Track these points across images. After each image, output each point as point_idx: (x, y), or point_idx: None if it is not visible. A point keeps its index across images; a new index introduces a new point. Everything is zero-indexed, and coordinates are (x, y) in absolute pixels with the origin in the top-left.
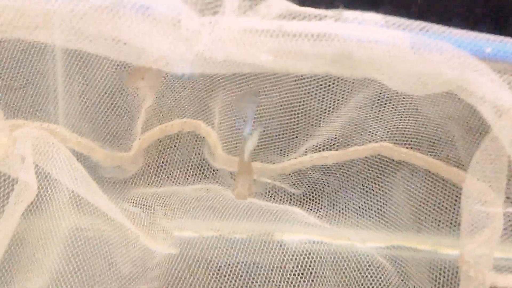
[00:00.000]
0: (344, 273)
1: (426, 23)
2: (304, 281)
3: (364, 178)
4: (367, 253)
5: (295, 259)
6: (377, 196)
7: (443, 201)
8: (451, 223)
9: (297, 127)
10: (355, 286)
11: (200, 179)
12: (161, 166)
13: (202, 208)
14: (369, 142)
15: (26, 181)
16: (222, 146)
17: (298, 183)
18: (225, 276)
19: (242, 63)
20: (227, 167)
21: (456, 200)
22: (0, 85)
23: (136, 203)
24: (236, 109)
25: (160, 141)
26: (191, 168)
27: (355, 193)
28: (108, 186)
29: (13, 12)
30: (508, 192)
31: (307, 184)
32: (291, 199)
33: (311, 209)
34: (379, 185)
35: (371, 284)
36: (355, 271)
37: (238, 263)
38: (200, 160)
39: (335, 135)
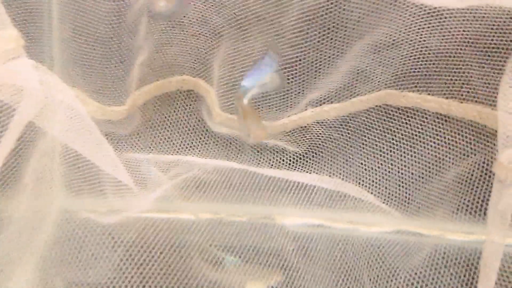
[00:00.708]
0: (346, 257)
1: None
2: (305, 265)
3: (370, 132)
4: (371, 237)
5: (297, 242)
6: (384, 152)
7: (456, 148)
8: (463, 183)
9: (296, 81)
10: (358, 270)
11: (198, 142)
12: (158, 126)
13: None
14: (373, 90)
15: (31, 88)
16: (220, 105)
17: (300, 141)
18: (223, 259)
19: None
20: (224, 126)
21: (469, 141)
22: None
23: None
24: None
25: (158, 99)
26: (189, 130)
27: (360, 149)
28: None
29: None
30: None
31: (310, 141)
32: (293, 159)
33: (314, 169)
34: (386, 138)
35: (374, 268)
36: (357, 255)
37: (237, 246)
38: (198, 121)
39: (337, 86)
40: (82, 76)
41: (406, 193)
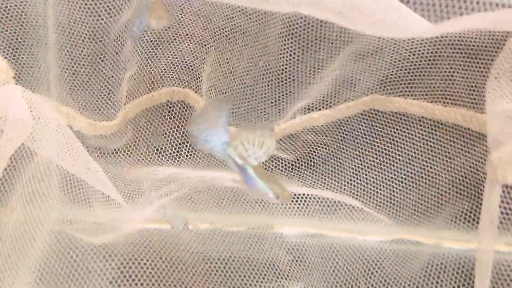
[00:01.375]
0: (343, 266)
1: None
2: (302, 274)
3: (359, 137)
4: (367, 246)
5: (294, 251)
6: (373, 157)
7: (441, 151)
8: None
9: (284, 90)
10: (355, 279)
11: (190, 151)
12: (149, 137)
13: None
14: (360, 96)
15: (19, 115)
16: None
17: (291, 148)
18: (222, 269)
19: None
20: None
21: (446, 143)
22: None
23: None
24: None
25: (148, 111)
26: (180, 140)
27: (350, 154)
28: (97, 157)
29: None
30: None
31: (301, 148)
32: (285, 166)
33: (305, 175)
34: (375, 143)
35: (371, 277)
36: (354, 264)
37: (235, 256)
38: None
39: (324, 93)
40: (72, 93)
41: (397, 197)
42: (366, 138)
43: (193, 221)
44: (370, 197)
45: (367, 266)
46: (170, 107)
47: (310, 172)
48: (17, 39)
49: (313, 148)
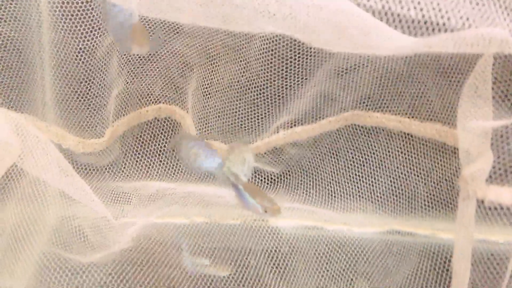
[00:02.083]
0: (340, 258)
1: None
2: (299, 266)
3: (341, 151)
4: (363, 238)
5: (290, 244)
6: (355, 170)
7: (420, 161)
8: (433, 186)
9: (266, 106)
10: (352, 271)
11: (178, 167)
12: (138, 154)
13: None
14: (340, 112)
15: (6, 137)
16: (196, 130)
17: (275, 162)
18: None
19: None
20: None
21: (430, 156)
22: None
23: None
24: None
25: (136, 128)
26: (168, 156)
27: (333, 167)
28: (87, 174)
29: None
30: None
31: (284, 162)
32: (271, 179)
33: (291, 187)
34: (357, 154)
35: (366, 268)
36: (351, 255)
37: (231, 249)
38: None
39: (305, 109)
40: (61, 113)
41: (379, 208)
42: (347, 152)
43: (190, 214)
44: (352, 207)
45: (362, 258)
46: (157, 124)
47: (294, 183)
48: (8, 64)
49: (296, 161)
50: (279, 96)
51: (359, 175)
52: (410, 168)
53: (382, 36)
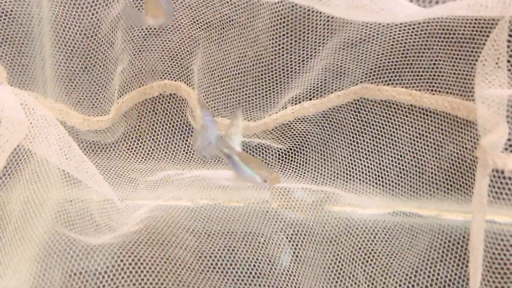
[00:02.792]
0: (344, 239)
1: None
2: (302, 248)
3: (350, 125)
4: (368, 219)
5: (294, 226)
6: (365, 145)
7: (431, 136)
8: (443, 165)
9: (274, 81)
10: (356, 252)
11: (184, 144)
12: (143, 131)
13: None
14: (349, 85)
15: (14, 116)
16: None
17: (283, 138)
18: (221, 244)
19: None
20: None
21: (438, 130)
22: None
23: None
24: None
25: (141, 105)
26: (174, 133)
27: (342, 142)
28: (91, 152)
29: None
30: None
31: (293, 138)
32: (279, 156)
33: (300, 164)
34: (366, 131)
35: (372, 250)
36: (355, 237)
37: (235, 231)
38: (182, 124)
39: (314, 83)
40: (65, 90)
41: (389, 184)
42: (356, 127)
43: (193, 197)
44: (362, 184)
45: (367, 239)
46: (162, 100)
47: (302, 160)
48: (7, 37)
49: (305, 137)
50: (287, 70)
51: (367, 152)
52: (420, 144)
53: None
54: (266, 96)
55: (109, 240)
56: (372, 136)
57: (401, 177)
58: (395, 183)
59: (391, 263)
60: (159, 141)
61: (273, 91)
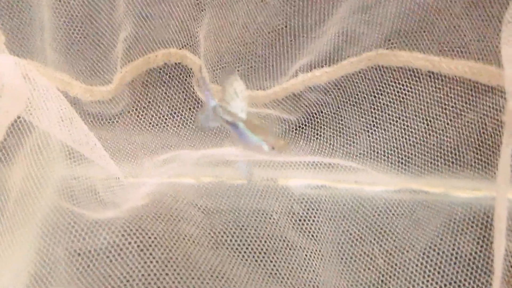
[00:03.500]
0: (351, 216)
1: None
2: (310, 226)
3: (363, 94)
4: (375, 196)
5: (300, 204)
6: (378, 114)
7: (450, 104)
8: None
9: (284, 47)
10: (363, 230)
11: (189, 115)
12: (148, 102)
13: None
14: (363, 51)
15: (14, 86)
16: (210, 77)
17: (293, 108)
18: (227, 220)
19: None
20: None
21: (458, 97)
22: None
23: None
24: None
25: (146, 75)
26: (180, 104)
27: (354, 112)
28: (95, 124)
29: None
30: None
31: (303, 108)
32: (288, 127)
33: (309, 135)
34: (380, 100)
35: (379, 227)
36: (363, 214)
37: (240, 208)
38: (188, 94)
39: (326, 49)
40: (67, 58)
41: (404, 153)
42: (370, 95)
43: (197, 175)
44: (375, 155)
45: (375, 216)
46: (168, 70)
47: (314, 132)
48: (7, 4)
49: (316, 107)
50: (298, 35)
51: (381, 122)
52: (438, 112)
53: None
54: (276, 64)
55: (114, 215)
56: (385, 106)
57: (416, 150)
58: (408, 158)
59: (407, 238)
60: (165, 112)
61: (283, 59)
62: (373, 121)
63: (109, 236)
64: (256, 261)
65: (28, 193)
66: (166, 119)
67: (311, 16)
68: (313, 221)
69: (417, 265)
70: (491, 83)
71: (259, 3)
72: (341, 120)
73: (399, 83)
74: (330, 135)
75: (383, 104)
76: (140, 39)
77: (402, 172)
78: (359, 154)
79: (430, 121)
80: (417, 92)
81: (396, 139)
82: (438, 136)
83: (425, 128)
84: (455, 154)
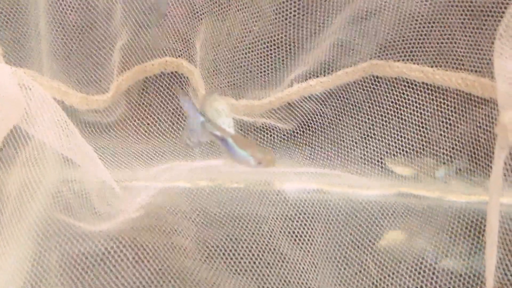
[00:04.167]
0: (346, 221)
1: None
2: (304, 230)
3: (358, 104)
4: (369, 200)
5: (295, 208)
6: (372, 125)
7: (444, 114)
8: (453, 142)
9: (280, 57)
10: (358, 234)
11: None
12: (144, 110)
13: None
14: (358, 62)
15: (10, 95)
16: (204, 85)
17: (288, 118)
18: (222, 225)
19: None
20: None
21: (451, 109)
22: None
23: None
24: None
25: (142, 83)
26: (176, 112)
27: (349, 122)
28: (90, 133)
29: None
30: None
31: (298, 118)
32: (283, 136)
33: (304, 145)
34: (374, 110)
35: (374, 231)
36: (357, 218)
37: (235, 212)
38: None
39: (321, 60)
40: (63, 67)
41: (400, 162)
42: (365, 105)
43: (193, 179)
44: (369, 165)
45: (370, 221)
46: (164, 79)
47: (308, 141)
48: (4, 14)
49: (311, 117)
50: (293, 45)
51: (376, 132)
52: (432, 123)
53: None
54: (272, 73)
55: (109, 227)
56: (379, 116)
57: (411, 158)
58: (404, 164)
59: (401, 247)
60: (161, 121)
61: (279, 68)
62: (368, 131)
63: (103, 248)
64: (249, 272)
65: (23, 202)
66: (162, 127)
67: (306, 26)
68: (308, 228)
69: (410, 271)
70: (485, 95)
71: (255, 13)
72: (336, 130)
73: (394, 94)
74: (325, 145)
75: (378, 114)
76: (137, 48)
77: (397, 179)
78: (354, 163)
79: (425, 131)
80: (412, 102)
81: (389, 149)
82: (433, 146)
83: (419, 137)
84: (450, 163)
